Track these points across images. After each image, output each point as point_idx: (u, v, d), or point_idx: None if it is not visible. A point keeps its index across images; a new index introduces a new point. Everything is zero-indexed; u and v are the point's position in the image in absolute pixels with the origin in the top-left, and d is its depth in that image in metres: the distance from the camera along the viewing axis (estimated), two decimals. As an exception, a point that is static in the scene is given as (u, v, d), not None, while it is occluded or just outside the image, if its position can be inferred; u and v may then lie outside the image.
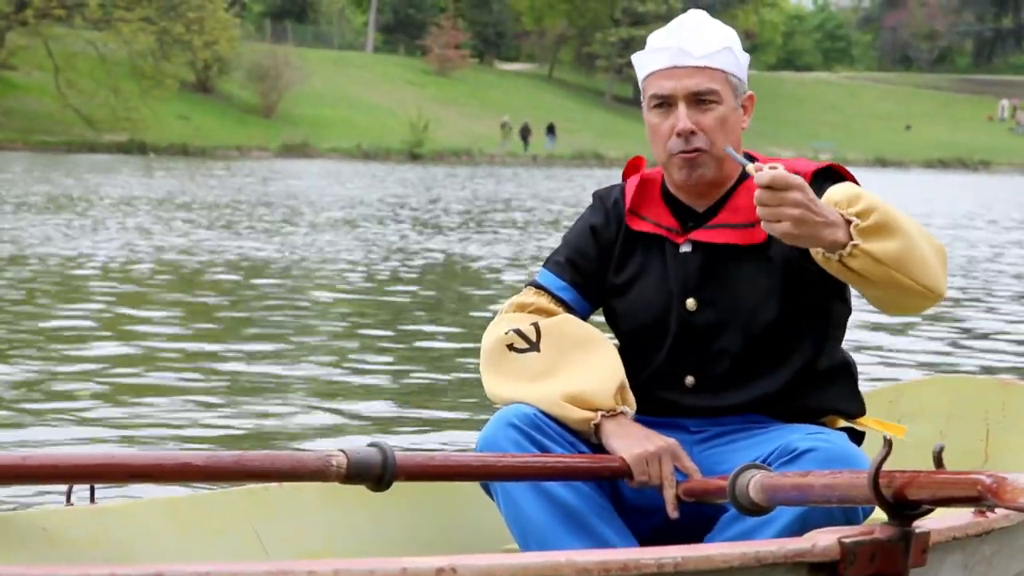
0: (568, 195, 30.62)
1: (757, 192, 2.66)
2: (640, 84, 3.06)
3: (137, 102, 54.01)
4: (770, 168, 2.67)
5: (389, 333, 9.02)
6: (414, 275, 12.87)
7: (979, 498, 2.21)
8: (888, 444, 2.28)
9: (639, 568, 2.11)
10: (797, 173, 2.93)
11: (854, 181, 2.98)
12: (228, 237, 16.40)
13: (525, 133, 61.26)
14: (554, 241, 17.26)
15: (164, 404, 6.25)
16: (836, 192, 2.78)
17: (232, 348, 8.03)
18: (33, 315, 9.31)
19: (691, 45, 2.97)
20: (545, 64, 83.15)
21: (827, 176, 2.98)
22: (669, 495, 2.89)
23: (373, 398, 6.58)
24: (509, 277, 12.87)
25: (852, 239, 2.69)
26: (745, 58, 3.05)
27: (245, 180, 32.49)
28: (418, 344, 8.50)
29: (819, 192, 2.83)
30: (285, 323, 9.27)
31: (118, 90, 53.88)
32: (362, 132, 58.37)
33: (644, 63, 3.04)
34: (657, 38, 3.04)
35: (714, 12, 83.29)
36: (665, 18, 76.07)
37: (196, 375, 7.04)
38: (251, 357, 7.68)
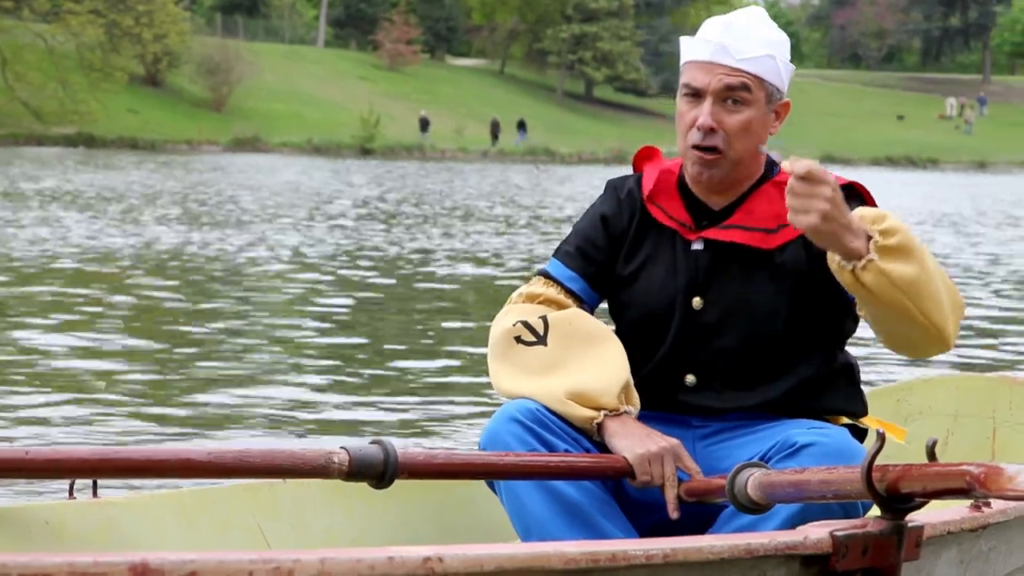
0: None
1: (791, 181, 2.66)
2: (680, 67, 3.05)
3: (86, 95, 53.63)
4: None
5: (388, 327, 9.02)
6: (409, 270, 12.87)
7: (968, 489, 2.20)
8: (881, 438, 2.27)
9: (627, 559, 2.09)
10: None
11: (872, 201, 2.99)
12: (202, 231, 16.33)
13: (495, 129, 61.26)
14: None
15: (163, 399, 6.23)
16: (865, 210, 2.78)
17: (227, 343, 8.01)
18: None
19: (734, 45, 2.95)
20: (497, 60, 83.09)
21: (848, 194, 2.97)
22: (671, 495, 2.89)
23: (374, 393, 6.57)
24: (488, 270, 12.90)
25: (869, 253, 2.69)
26: (789, 68, 3.03)
27: (213, 175, 32.33)
28: (418, 339, 8.50)
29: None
30: (279, 318, 9.26)
31: (66, 83, 53.51)
32: (313, 127, 58.17)
33: (687, 49, 3.02)
34: (707, 28, 3.01)
35: (665, 9, 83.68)
36: (617, 15, 76.19)
37: (193, 371, 7.03)
38: (248, 353, 7.67)
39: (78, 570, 1.64)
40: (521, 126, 62.94)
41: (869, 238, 2.70)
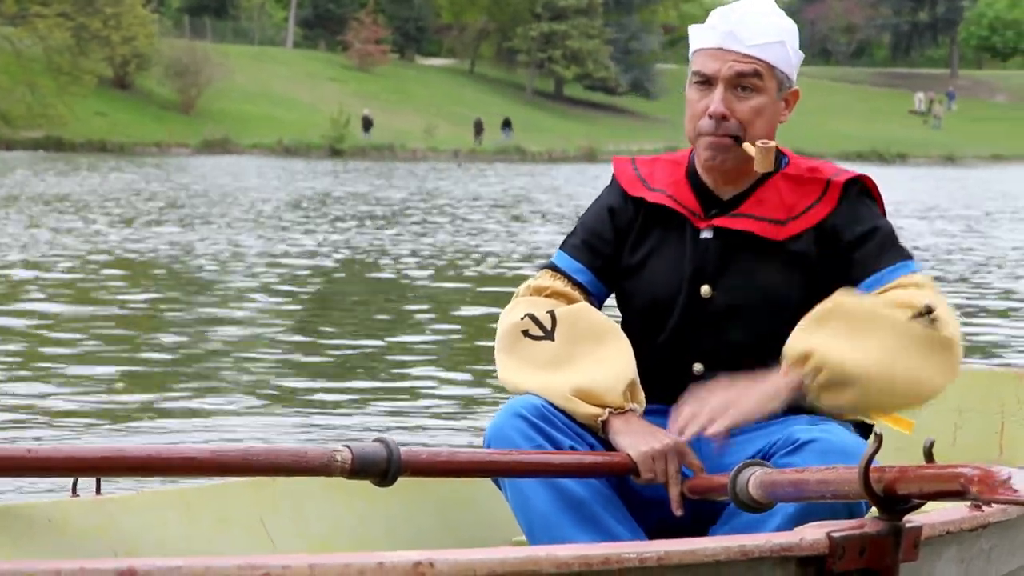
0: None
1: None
2: (689, 56, 3.05)
3: (54, 98, 53.37)
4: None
5: (385, 325, 9.01)
6: (406, 268, 12.87)
7: (962, 491, 2.21)
8: (878, 439, 2.28)
9: (620, 562, 2.08)
10: (828, 179, 2.99)
11: (880, 196, 3.03)
12: (197, 233, 16.31)
13: (478, 128, 61.17)
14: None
15: (165, 395, 6.24)
16: (789, 353, 2.85)
17: (224, 341, 8.01)
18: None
19: (743, 31, 2.95)
20: (466, 59, 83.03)
21: (858, 189, 3.00)
22: (674, 493, 2.89)
23: (375, 390, 6.57)
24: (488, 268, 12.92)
25: (808, 393, 2.81)
26: (798, 56, 3.03)
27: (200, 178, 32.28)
28: (416, 335, 8.50)
29: (856, 201, 2.95)
30: (276, 316, 9.26)
31: (34, 86, 53.25)
32: (283, 128, 58.02)
33: (696, 37, 3.02)
34: (715, 16, 3.01)
35: (634, 7, 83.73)
36: (586, 13, 76.20)
37: (195, 371, 7.04)
38: (247, 351, 7.68)
39: (66, 576, 1.59)
40: (506, 124, 62.89)
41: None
